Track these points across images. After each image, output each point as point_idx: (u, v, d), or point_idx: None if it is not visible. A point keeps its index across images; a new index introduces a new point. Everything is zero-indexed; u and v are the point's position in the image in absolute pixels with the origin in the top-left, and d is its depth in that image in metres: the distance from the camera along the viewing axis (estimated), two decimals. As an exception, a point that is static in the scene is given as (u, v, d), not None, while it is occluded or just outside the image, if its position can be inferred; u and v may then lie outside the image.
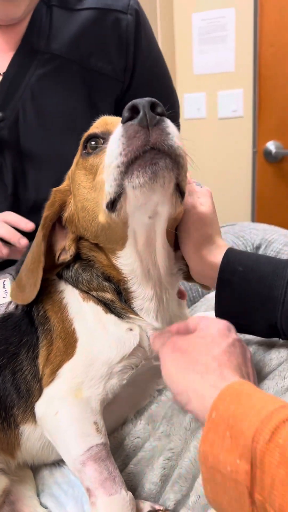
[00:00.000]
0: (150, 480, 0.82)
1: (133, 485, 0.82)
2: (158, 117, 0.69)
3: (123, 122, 0.69)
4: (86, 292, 0.90)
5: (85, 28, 1.20)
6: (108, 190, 0.73)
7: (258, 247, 1.55)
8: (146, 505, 0.77)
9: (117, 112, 1.27)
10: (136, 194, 0.71)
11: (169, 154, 0.70)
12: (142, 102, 0.67)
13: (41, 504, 0.86)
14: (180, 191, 0.77)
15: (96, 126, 0.85)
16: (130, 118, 0.69)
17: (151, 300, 0.88)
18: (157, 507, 0.77)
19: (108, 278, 0.89)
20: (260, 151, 3.20)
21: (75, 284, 0.91)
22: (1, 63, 1.19)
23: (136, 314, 0.88)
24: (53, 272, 0.94)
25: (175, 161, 0.71)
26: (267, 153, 3.16)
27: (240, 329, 0.84)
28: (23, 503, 0.83)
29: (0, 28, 1.19)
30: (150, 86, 1.35)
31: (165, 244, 0.86)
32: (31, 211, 1.21)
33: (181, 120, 3.44)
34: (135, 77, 1.30)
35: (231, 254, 0.87)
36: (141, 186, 0.70)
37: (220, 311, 0.87)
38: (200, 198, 0.92)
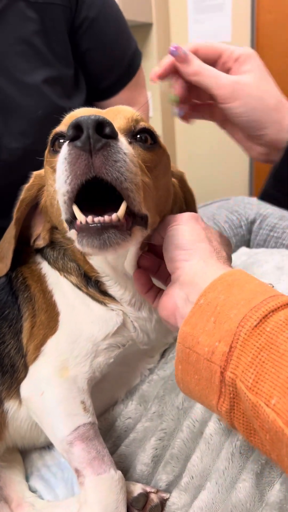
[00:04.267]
0: (142, 461, 0.80)
1: (124, 467, 0.81)
2: (104, 140, 0.60)
3: (67, 139, 0.62)
4: None
5: None
6: (63, 215, 0.67)
7: (253, 222, 1.53)
8: (137, 487, 0.75)
9: (72, 44, 1.23)
10: (85, 251, 0.66)
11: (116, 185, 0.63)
12: (86, 121, 0.59)
13: (30, 487, 0.84)
14: (140, 217, 0.70)
15: (64, 123, 0.78)
16: (76, 136, 0.60)
17: (130, 293, 0.86)
18: (148, 489, 0.75)
19: (75, 261, 0.87)
20: (258, 121, 3.16)
21: (47, 260, 0.90)
22: None
23: (113, 300, 0.86)
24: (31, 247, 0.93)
25: (124, 192, 0.64)
26: (266, 124, 3.11)
27: None
28: (11, 488, 0.82)
29: None
30: (104, 16, 1.29)
31: (136, 253, 0.82)
32: None
33: None
34: (85, 1, 1.24)
35: None
36: (89, 252, 0.65)
37: (279, 178, 0.82)
38: (241, 66, 0.80)
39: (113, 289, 0.86)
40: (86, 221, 0.62)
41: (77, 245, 0.65)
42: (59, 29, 1.19)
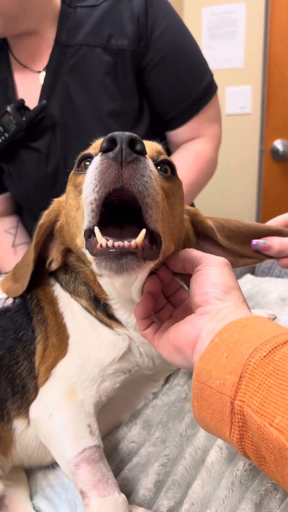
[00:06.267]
0: (144, 486, 0.81)
1: (127, 491, 0.82)
2: (135, 155, 0.65)
3: (100, 151, 0.67)
4: None
5: (103, 16, 1.36)
6: (86, 223, 0.71)
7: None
8: (139, 511, 0.77)
9: (139, 86, 1.42)
10: (102, 273, 0.69)
11: (138, 199, 0.67)
12: (121, 136, 0.64)
13: (34, 507, 0.86)
14: (155, 237, 0.73)
15: (93, 147, 0.84)
16: (108, 149, 0.66)
17: (135, 317, 0.87)
18: (150, 513, 0.77)
19: (87, 284, 0.90)
20: (267, 149, 3.16)
21: (59, 282, 0.94)
22: (41, 63, 1.40)
23: (120, 324, 0.88)
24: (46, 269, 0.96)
25: (144, 207, 0.68)
26: (274, 152, 3.12)
27: None
28: (17, 507, 0.83)
29: (30, 36, 1.38)
30: (171, 55, 1.41)
31: (144, 280, 0.84)
32: None
33: None
34: (152, 44, 1.39)
35: None
36: (106, 274, 0.68)
37: None
38: None
39: (119, 312, 0.88)
40: (107, 245, 0.65)
41: (94, 267, 0.68)
42: (127, 70, 1.38)
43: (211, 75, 1.57)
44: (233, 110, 3.27)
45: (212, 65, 3.24)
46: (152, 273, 0.81)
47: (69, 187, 0.85)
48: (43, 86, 1.38)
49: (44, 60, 1.40)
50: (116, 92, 1.38)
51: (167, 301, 0.87)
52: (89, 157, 0.81)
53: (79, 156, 0.84)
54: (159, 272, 0.82)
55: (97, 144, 0.83)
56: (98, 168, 0.66)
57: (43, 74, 1.39)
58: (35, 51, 1.40)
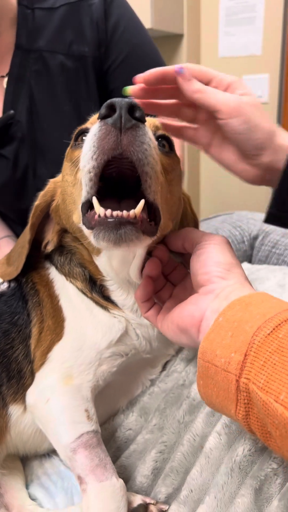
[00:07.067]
0: (142, 473, 0.81)
1: (124, 478, 0.80)
2: (134, 121, 0.64)
3: (99, 118, 0.66)
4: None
5: (63, 21, 1.35)
6: (84, 194, 0.69)
7: (255, 238, 1.54)
8: (137, 498, 0.76)
9: (100, 90, 1.41)
10: (100, 245, 0.68)
11: (137, 165, 0.66)
12: (120, 102, 0.63)
13: (30, 495, 0.85)
14: (154, 212, 0.72)
15: (90, 122, 0.83)
16: (107, 116, 0.65)
17: (131, 299, 0.87)
18: (148, 500, 0.76)
19: (82, 265, 0.90)
20: (285, 140, 3.13)
21: (54, 265, 0.93)
22: (2, 66, 1.35)
23: (116, 306, 0.87)
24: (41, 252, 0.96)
25: (143, 176, 0.67)
26: (292, 142, 3.08)
27: None
28: (12, 495, 0.82)
29: None
30: (132, 56, 1.42)
31: (142, 260, 0.83)
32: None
33: None
34: (113, 47, 1.39)
35: None
36: (104, 246, 0.67)
37: (281, 199, 0.82)
38: (236, 90, 0.81)
39: (116, 293, 0.88)
40: (105, 214, 0.64)
41: (92, 238, 0.67)
42: (89, 75, 1.39)
43: None
44: (251, 99, 3.23)
45: (229, 52, 3.24)
46: (150, 254, 0.81)
47: (66, 164, 0.85)
48: (7, 92, 1.35)
49: (4, 64, 1.36)
50: (79, 97, 1.39)
51: (166, 280, 0.86)
52: (86, 131, 0.79)
53: (76, 131, 0.83)
54: (156, 251, 0.82)
55: (94, 118, 0.83)
56: (96, 134, 0.65)
57: (6, 79, 1.37)
58: None
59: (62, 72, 1.36)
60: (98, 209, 0.65)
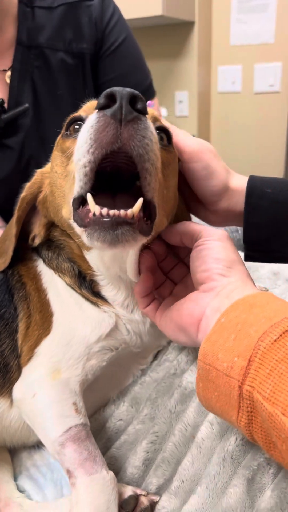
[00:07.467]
0: (133, 464, 0.79)
1: (115, 469, 0.79)
2: (136, 113, 0.59)
3: (97, 108, 0.61)
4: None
5: (63, 21, 1.44)
6: (77, 189, 0.65)
7: None
8: (127, 490, 0.75)
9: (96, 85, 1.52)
10: (94, 245, 0.64)
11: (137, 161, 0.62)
12: (121, 91, 0.58)
13: (18, 487, 0.84)
14: (150, 210, 0.68)
15: (84, 109, 0.78)
16: (105, 106, 0.60)
17: (122, 294, 0.85)
18: (138, 491, 0.75)
19: (71, 260, 0.87)
20: (297, 129, 3.09)
21: (42, 259, 0.90)
22: (4, 60, 1.41)
23: (106, 302, 0.85)
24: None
25: (143, 173, 0.63)
26: (304, 132, 3.04)
27: (271, 257, 0.85)
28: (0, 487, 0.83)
29: None
30: (123, 47, 1.54)
31: (137, 258, 0.80)
32: None
33: (214, 94, 3.43)
34: (105, 39, 1.50)
35: (255, 179, 0.84)
36: (98, 246, 0.63)
37: (249, 241, 0.85)
38: (181, 140, 0.84)
39: (106, 289, 0.85)
40: (101, 213, 0.61)
41: (85, 238, 0.64)
42: (86, 70, 1.49)
43: (151, 79, 1.69)
44: (262, 88, 3.20)
45: (241, 40, 3.22)
46: (146, 247, 0.78)
47: (55, 153, 0.80)
48: (11, 85, 1.41)
49: (6, 59, 1.42)
50: (77, 92, 1.47)
51: (166, 278, 0.85)
52: (79, 120, 0.75)
53: (68, 119, 0.78)
54: (152, 246, 0.79)
55: (88, 106, 0.78)
56: (94, 126, 0.60)
57: (8, 73, 1.42)
58: None
59: (63, 68, 1.44)
60: (93, 208, 0.61)
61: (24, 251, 0.92)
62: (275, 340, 0.53)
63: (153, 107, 1.61)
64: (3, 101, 1.37)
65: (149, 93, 1.64)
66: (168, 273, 0.85)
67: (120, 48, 1.53)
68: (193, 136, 0.86)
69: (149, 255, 0.79)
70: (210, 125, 3.65)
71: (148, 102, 0.80)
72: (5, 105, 1.39)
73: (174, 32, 3.29)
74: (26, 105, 1.39)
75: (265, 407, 0.50)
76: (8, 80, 1.41)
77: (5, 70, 1.40)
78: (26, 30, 1.40)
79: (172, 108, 3.54)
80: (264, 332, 0.54)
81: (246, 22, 3.15)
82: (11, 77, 1.40)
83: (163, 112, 3.40)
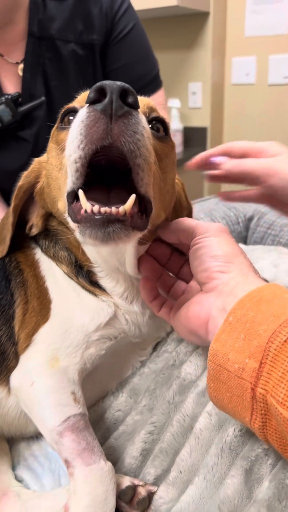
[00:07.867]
0: (131, 455, 0.79)
1: (113, 460, 0.80)
2: (126, 108, 0.58)
3: (87, 102, 0.60)
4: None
5: (74, 12, 1.45)
6: (70, 185, 0.64)
7: (250, 219, 1.51)
8: (125, 480, 0.75)
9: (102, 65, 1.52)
10: (86, 242, 0.63)
11: (129, 158, 0.61)
12: (111, 85, 0.57)
13: (16, 477, 0.84)
14: (145, 204, 0.67)
15: (78, 100, 0.77)
16: (96, 100, 0.58)
17: (121, 286, 0.84)
18: (136, 482, 0.75)
19: (68, 249, 0.86)
20: (312, 122, 3.05)
21: (40, 247, 0.90)
22: (16, 53, 1.43)
23: (104, 292, 0.85)
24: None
25: (135, 169, 0.62)
26: None
27: None
28: (-3, 477, 0.83)
29: (7, 26, 1.40)
30: (131, 36, 1.56)
31: (135, 253, 0.80)
32: None
33: (228, 86, 3.41)
34: (114, 27, 1.52)
35: None
36: (90, 243, 0.62)
37: None
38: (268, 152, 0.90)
39: (104, 280, 0.85)
40: (92, 210, 0.60)
41: (77, 234, 0.63)
42: (96, 61, 1.51)
43: (159, 69, 1.68)
44: (276, 80, 3.16)
45: (255, 31, 3.19)
46: (147, 246, 0.78)
47: (51, 145, 0.80)
48: (24, 78, 1.42)
49: (18, 51, 1.43)
50: (87, 83, 1.44)
51: (177, 278, 0.84)
52: (74, 111, 0.74)
53: (63, 110, 0.77)
54: (150, 249, 0.79)
55: (83, 96, 0.77)
56: (84, 121, 0.59)
57: (21, 66, 1.43)
58: (10, 42, 1.43)
59: (73, 59, 1.46)
60: (85, 204, 0.61)
61: (22, 239, 0.92)
62: (285, 341, 0.52)
63: (159, 98, 1.61)
64: (19, 95, 1.39)
65: (156, 83, 1.64)
66: (178, 273, 0.85)
67: (128, 37, 1.54)
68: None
69: (147, 260, 0.79)
70: (223, 117, 3.62)
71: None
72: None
73: (188, 22, 3.26)
74: (43, 98, 1.41)
75: (279, 412, 0.49)
76: (20, 73, 1.42)
77: (17, 63, 1.42)
78: (37, 21, 1.41)
79: (186, 100, 3.51)
80: (273, 332, 0.53)
81: (261, 13, 3.11)
82: (24, 70, 1.41)
83: (176, 103, 3.37)
